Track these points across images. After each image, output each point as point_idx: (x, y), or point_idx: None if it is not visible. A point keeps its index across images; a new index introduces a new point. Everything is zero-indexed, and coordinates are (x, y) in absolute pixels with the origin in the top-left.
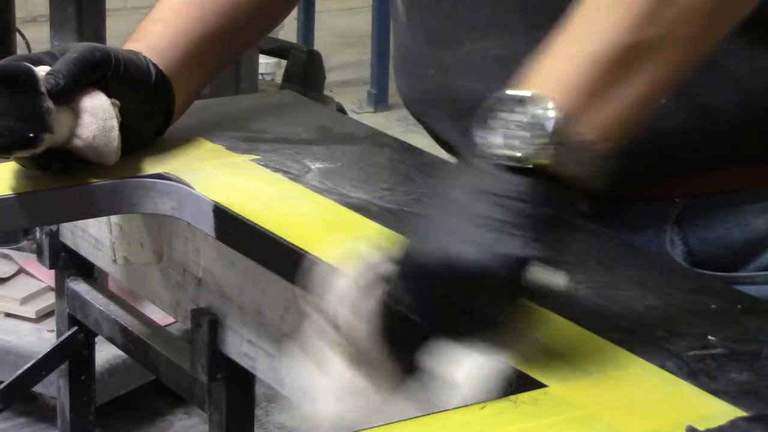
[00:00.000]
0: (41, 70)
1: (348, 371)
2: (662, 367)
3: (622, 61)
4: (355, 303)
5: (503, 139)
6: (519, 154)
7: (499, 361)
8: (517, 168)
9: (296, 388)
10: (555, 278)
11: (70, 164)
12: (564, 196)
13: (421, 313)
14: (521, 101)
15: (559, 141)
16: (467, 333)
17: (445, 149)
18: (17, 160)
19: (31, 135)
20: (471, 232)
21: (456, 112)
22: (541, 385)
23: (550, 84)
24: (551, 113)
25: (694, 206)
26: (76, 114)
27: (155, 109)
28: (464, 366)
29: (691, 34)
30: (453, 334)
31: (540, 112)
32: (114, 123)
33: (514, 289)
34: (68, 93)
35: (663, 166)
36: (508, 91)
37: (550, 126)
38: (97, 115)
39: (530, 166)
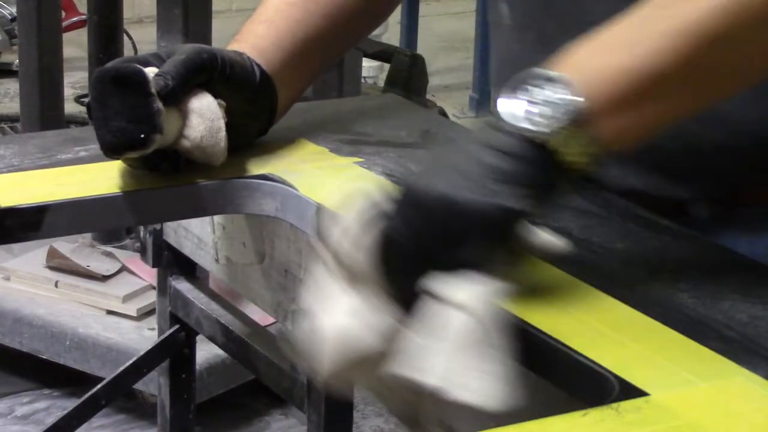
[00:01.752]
0: (149, 72)
1: (352, 297)
2: (767, 377)
3: (659, 86)
4: (355, 236)
5: (525, 110)
6: (534, 128)
7: (496, 285)
8: (528, 138)
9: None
10: (556, 240)
11: (178, 165)
12: (561, 173)
13: (416, 245)
14: (553, 81)
15: (573, 130)
16: (459, 268)
17: None
18: (126, 160)
19: (142, 136)
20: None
21: None
22: (643, 394)
23: (587, 76)
24: (577, 102)
25: None
26: (183, 115)
27: (259, 109)
28: (465, 289)
29: (727, 84)
30: (447, 266)
31: (567, 97)
32: (221, 124)
33: (502, 236)
34: (177, 94)
35: None
36: (545, 69)
37: (570, 113)
38: (205, 116)
39: (540, 140)
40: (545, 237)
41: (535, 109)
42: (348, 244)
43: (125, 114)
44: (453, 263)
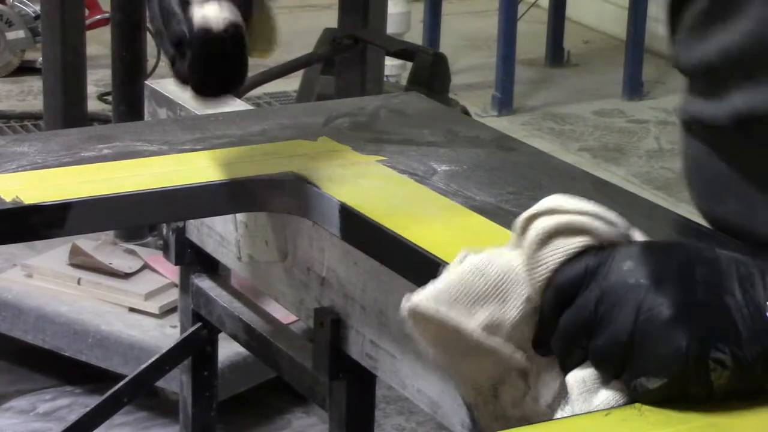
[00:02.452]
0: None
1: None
2: None
3: None
4: (547, 252)
5: None
6: None
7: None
8: None
9: (417, 390)
10: None
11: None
12: None
13: (592, 320)
14: None
15: None
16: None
17: None
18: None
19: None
20: (687, 302)
21: (758, 249)
22: None
23: None
24: None
25: None
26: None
27: None
28: (598, 396)
29: None
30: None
31: None
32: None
33: (688, 379)
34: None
35: None
36: None
37: None
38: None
39: None
40: None
41: None
42: (534, 247)
43: (223, 70)
44: (617, 365)
